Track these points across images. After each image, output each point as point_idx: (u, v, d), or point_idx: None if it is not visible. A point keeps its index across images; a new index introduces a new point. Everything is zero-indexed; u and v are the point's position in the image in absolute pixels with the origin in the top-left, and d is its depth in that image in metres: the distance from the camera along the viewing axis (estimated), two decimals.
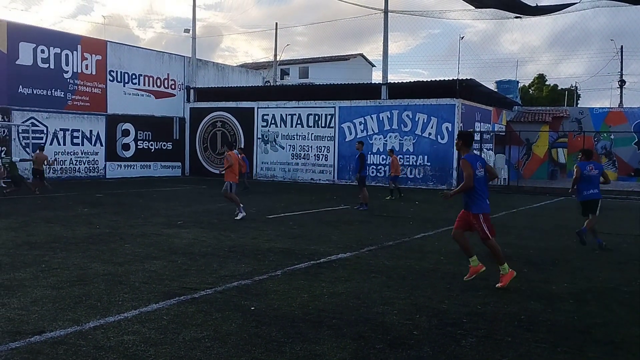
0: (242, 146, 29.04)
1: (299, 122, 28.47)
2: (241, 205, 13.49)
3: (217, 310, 5.87)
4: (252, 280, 7.29)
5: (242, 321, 5.54)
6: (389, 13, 28.22)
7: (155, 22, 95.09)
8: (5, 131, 23.50)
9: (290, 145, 28.69)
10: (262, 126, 29.47)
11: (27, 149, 23.81)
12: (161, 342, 4.88)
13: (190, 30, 32.42)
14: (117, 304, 6.02)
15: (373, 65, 67.11)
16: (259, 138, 29.54)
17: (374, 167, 26.37)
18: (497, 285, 7.14)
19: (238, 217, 13.22)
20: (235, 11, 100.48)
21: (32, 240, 9.85)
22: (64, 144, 25.72)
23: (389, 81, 27.86)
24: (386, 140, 26.27)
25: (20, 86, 24.01)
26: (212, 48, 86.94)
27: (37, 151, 20.09)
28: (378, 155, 26.46)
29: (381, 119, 26.51)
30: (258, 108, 29.62)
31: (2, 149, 23.20)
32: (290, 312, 5.87)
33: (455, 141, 7.55)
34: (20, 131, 23.88)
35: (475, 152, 8.18)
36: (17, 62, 23.82)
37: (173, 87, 31.07)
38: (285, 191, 22.65)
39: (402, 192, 20.14)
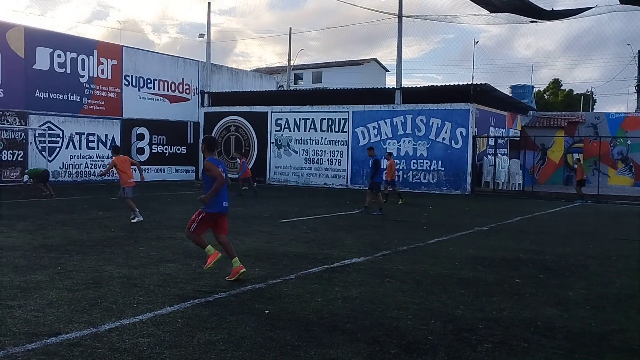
0: (243, 150, 29.09)
1: (312, 126, 28.49)
2: (137, 209, 13.22)
3: (231, 314, 5.87)
4: (266, 284, 7.29)
5: (256, 325, 5.54)
6: (403, 18, 28.19)
7: (170, 27, 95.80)
8: (22, 135, 23.77)
9: (304, 150, 28.71)
10: (276, 130, 29.52)
11: (43, 153, 24.06)
12: (176, 345, 4.89)
13: (205, 35, 32.60)
14: (132, 306, 6.05)
15: (387, 70, 67.08)
16: (273, 142, 29.60)
17: None
18: (204, 266, 7.55)
19: (134, 220, 13.01)
20: (249, 16, 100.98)
21: (48, 243, 9.93)
22: (80, 148, 25.96)
23: (402, 86, 27.82)
24: (400, 145, 26.22)
25: (37, 90, 24.29)
26: (226, 53, 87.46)
27: None
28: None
29: (395, 123, 26.46)
30: (272, 112, 29.68)
31: (20, 152, 23.45)
32: (304, 316, 5.86)
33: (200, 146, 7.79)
34: (36, 135, 24.13)
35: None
36: (34, 67, 24.10)
37: (187, 91, 31.25)
38: (298, 195, 22.66)
39: (388, 199, 19.43)
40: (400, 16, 28.10)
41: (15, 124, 23.47)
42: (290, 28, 45.22)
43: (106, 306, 6.03)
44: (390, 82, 65.47)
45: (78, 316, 5.63)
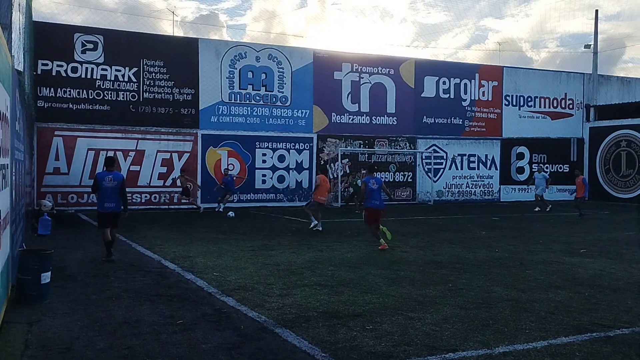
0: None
1: None
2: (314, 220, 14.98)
3: (638, 355, 5.19)
4: None
5: None
6: None
7: (549, 42, 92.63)
8: (411, 158, 26.08)
9: None
10: None
11: (429, 174, 25.97)
12: None
13: (592, 45, 30.45)
14: (524, 332, 5.90)
15: None
16: None
17: None
18: None
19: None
20: None
21: (438, 259, 10.54)
22: (461, 169, 27.09)
23: None
24: None
25: (424, 116, 26.34)
26: (612, 61, 79.75)
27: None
28: None
29: None
30: None
31: (409, 173, 25.79)
32: None
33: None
34: (423, 157, 26.17)
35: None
36: (422, 95, 26.24)
37: (571, 106, 29.62)
38: None
39: None
40: None
41: (405, 148, 25.94)
42: None
43: (498, 328, 6.01)
44: None
45: (472, 335, 5.76)
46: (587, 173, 29.47)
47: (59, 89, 20.25)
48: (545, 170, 26.43)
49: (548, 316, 6.52)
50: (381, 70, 25.40)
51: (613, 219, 19.44)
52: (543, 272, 9.32)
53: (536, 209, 22.21)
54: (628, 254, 11.32)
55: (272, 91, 23.34)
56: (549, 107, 29.11)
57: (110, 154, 20.36)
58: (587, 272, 9.31)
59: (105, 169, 10.49)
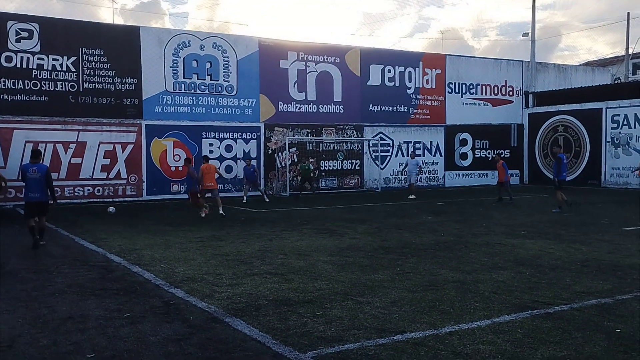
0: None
1: None
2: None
3: (576, 329, 5.43)
4: (613, 299, 6.58)
5: (607, 344, 5.02)
6: None
7: (490, 30, 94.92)
8: (359, 146, 26.30)
9: None
10: (612, 128, 26.65)
11: (376, 162, 26.27)
12: (517, 357, 4.73)
13: (530, 34, 31.36)
14: (469, 311, 6.08)
15: None
16: (609, 141, 26.80)
17: None
18: None
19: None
20: (574, 7, 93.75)
21: (385, 245, 10.71)
22: (407, 156, 27.43)
23: None
24: None
25: (371, 104, 26.57)
26: (549, 49, 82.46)
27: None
28: None
29: None
30: (607, 108, 26.91)
31: (357, 161, 26.02)
32: None
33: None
34: (370, 145, 26.44)
35: None
36: (368, 84, 26.45)
37: (511, 93, 30.45)
38: None
39: None
40: None
41: (352, 136, 26.14)
42: (628, 13, 40.07)
43: (444, 309, 6.18)
44: None
45: (419, 317, 5.90)
46: (527, 158, 30.47)
47: None
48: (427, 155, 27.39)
49: (491, 296, 6.73)
50: (327, 59, 25.41)
51: (552, 201, 20.13)
52: (486, 253, 9.61)
53: (411, 197, 21.58)
54: (566, 235, 11.78)
55: (218, 80, 23.02)
56: (490, 94, 29.84)
57: (50, 146, 19.72)
58: (527, 253, 9.64)
59: (30, 160, 10.95)
